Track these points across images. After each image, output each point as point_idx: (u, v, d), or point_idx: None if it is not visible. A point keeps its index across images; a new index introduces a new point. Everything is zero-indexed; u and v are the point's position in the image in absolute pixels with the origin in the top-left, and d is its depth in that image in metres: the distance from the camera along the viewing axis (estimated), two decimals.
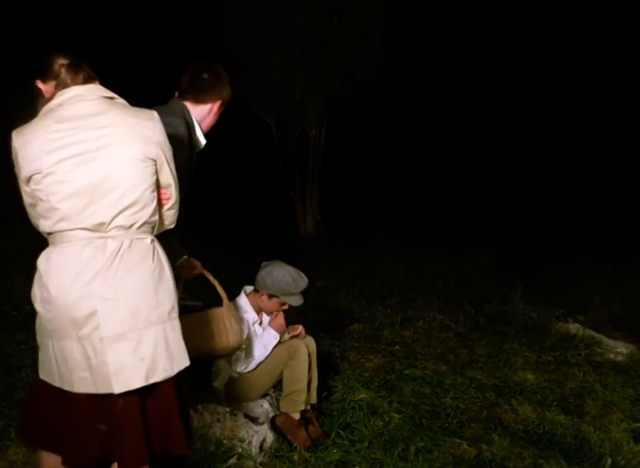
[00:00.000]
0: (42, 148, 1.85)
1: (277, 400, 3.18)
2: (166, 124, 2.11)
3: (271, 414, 3.10)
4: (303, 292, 3.16)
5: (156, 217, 1.99)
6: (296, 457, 2.88)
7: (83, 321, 1.84)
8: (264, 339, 3.09)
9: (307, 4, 7.52)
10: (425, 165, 13.96)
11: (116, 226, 1.88)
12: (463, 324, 4.93)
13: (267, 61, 7.73)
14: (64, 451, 1.95)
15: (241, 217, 9.37)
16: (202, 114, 2.65)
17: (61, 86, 1.96)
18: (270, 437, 2.97)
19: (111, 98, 1.99)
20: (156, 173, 1.97)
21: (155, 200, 1.97)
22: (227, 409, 2.96)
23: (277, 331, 3.10)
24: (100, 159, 1.87)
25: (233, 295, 3.44)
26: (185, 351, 1.98)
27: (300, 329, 3.13)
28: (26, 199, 1.94)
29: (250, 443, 2.84)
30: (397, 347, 4.38)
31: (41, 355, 1.95)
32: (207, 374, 3.30)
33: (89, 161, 1.87)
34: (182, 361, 1.97)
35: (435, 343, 4.49)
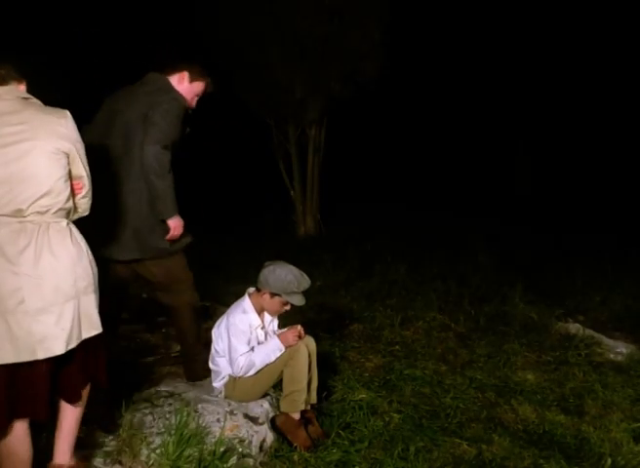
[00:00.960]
0: None
1: (277, 400, 3.18)
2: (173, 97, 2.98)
3: (271, 414, 3.10)
4: (305, 294, 3.15)
5: (70, 204, 2.22)
6: (296, 457, 2.88)
7: (7, 296, 2.05)
8: (269, 348, 3.06)
9: (307, 4, 7.52)
10: (426, 165, 13.97)
11: (33, 212, 2.10)
12: (463, 324, 4.93)
13: (267, 61, 7.73)
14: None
15: (241, 217, 9.37)
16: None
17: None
18: (270, 437, 2.97)
19: (26, 99, 2.23)
20: (69, 165, 2.20)
21: (68, 189, 2.20)
22: (227, 409, 2.96)
23: (284, 344, 3.05)
24: (17, 152, 2.09)
25: (235, 296, 3.44)
26: (98, 321, 2.25)
27: (299, 328, 3.13)
28: None
29: (250, 443, 2.84)
30: (397, 347, 4.38)
31: None
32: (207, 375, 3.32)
33: (7, 154, 2.08)
34: (94, 329, 2.24)
35: (435, 343, 4.49)
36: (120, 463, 2.60)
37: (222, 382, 3.12)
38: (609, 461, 3.04)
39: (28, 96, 2.26)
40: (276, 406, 3.15)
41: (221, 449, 2.69)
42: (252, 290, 3.20)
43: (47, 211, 2.13)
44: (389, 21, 7.86)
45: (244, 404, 3.07)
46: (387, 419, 3.32)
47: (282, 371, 3.08)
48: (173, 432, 2.67)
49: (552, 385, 3.92)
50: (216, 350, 3.13)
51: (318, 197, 8.80)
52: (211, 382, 3.20)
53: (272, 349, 3.05)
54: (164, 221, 3.09)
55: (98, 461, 2.58)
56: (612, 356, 4.46)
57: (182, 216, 3.15)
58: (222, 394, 3.11)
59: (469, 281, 6.08)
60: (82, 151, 2.25)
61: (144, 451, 2.63)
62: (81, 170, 2.26)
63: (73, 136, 2.22)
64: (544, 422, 3.43)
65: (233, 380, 3.09)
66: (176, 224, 3.08)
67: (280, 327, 3.30)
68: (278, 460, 2.86)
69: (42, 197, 2.11)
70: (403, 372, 3.90)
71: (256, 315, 3.14)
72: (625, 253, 7.45)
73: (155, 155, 2.94)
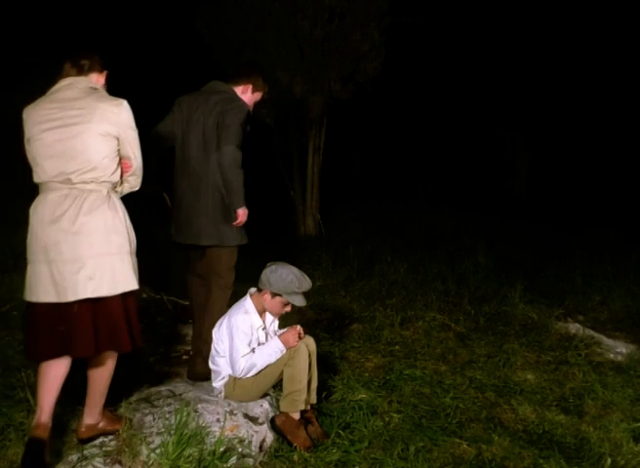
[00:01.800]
0: (34, 120, 2.55)
1: (277, 400, 3.18)
2: (240, 104, 3.49)
3: (271, 414, 3.10)
4: (306, 295, 3.15)
5: (116, 178, 2.61)
6: (296, 457, 2.88)
7: (51, 248, 2.49)
8: (270, 349, 3.06)
9: (307, 4, 7.52)
10: (426, 165, 13.97)
11: (80, 182, 2.52)
12: (463, 324, 4.93)
13: (267, 61, 7.73)
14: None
15: None
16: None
17: (62, 76, 2.66)
18: (270, 437, 2.97)
19: (94, 89, 2.62)
20: (118, 146, 2.60)
21: (114, 166, 2.59)
22: (227, 409, 2.97)
23: (285, 345, 3.05)
24: (73, 132, 2.52)
25: (235, 296, 3.44)
26: (133, 278, 2.60)
27: (299, 328, 3.12)
28: (27, 156, 2.59)
29: (250, 443, 2.84)
30: (397, 347, 4.38)
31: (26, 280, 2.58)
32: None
33: (65, 132, 2.52)
34: (127, 285, 2.57)
35: (435, 343, 4.49)
36: (120, 463, 2.60)
37: (222, 382, 3.12)
38: (609, 461, 3.04)
39: (97, 86, 2.66)
40: (276, 406, 3.15)
41: (221, 449, 2.69)
42: (253, 290, 3.20)
43: (92, 181, 2.53)
44: (389, 21, 7.86)
45: (244, 404, 3.08)
46: (387, 419, 3.33)
47: (282, 372, 3.08)
48: (173, 432, 2.67)
49: (552, 385, 3.93)
50: (216, 350, 3.13)
51: (318, 197, 8.79)
52: (211, 382, 3.20)
53: (273, 350, 3.05)
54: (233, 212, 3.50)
55: (98, 461, 2.58)
56: (612, 356, 4.47)
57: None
58: (222, 394, 3.12)
59: (469, 281, 6.08)
60: (132, 137, 2.63)
61: (144, 451, 2.63)
62: (129, 152, 2.64)
63: (124, 122, 2.60)
64: (544, 422, 3.43)
65: (233, 380, 3.09)
66: (243, 213, 3.50)
67: (280, 327, 3.30)
68: (278, 460, 2.87)
69: (88, 171, 2.52)
70: (403, 372, 3.90)
71: (257, 316, 3.14)
72: (625, 252, 7.45)
73: (232, 153, 3.40)
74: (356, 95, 8.16)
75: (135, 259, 2.65)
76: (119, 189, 2.68)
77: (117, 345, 2.59)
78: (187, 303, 4.87)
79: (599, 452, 3.13)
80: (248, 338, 3.05)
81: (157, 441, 2.69)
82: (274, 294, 3.09)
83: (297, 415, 3.04)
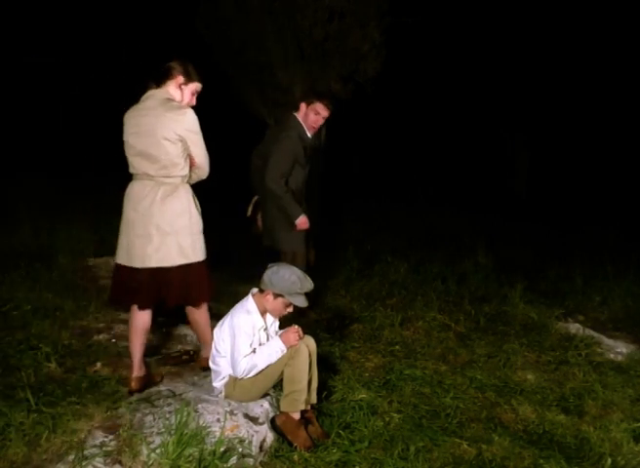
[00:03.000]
0: (126, 125, 3.23)
1: (277, 400, 3.18)
2: (286, 135, 4.32)
3: (271, 414, 3.10)
4: (307, 295, 3.15)
5: (185, 172, 3.22)
6: (296, 457, 2.88)
7: (132, 223, 3.20)
8: (271, 349, 3.06)
9: (307, 4, 7.52)
10: (426, 165, 13.97)
11: (156, 175, 3.17)
12: (463, 324, 4.93)
13: (267, 61, 7.73)
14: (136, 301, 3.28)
15: (241, 218, 9.35)
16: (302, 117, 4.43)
17: (148, 87, 3.27)
18: (270, 437, 2.97)
19: (168, 99, 3.19)
20: (186, 147, 3.18)
21: (182, 162, 3.19)
22: (227, 409, 2.97)
23: (286, 345, 3.05)
24: (148, 136, 3.14)
25: (235, 296, 3.44)
26: (199, 250, 3.28)
27: (297, 328, 3.12)
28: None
29: (250, 443, 2.84)
30: (397, 347, 4.38)
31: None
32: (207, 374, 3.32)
33: (142, 136, 3.15)
34: (194, 257, 3.25)
35: (435, 343, 4.48)
36: (120, 463, 2.60)
37: (223, 382, 3.12)
38: (609, 461, 3.04)
39: (170, 97, 3.22)
40: (276, 406, 3.15)
41: (221, 449, 2.69)
42: (255, 290, 3.19)
43: (165, 176, 3.17)
44: (389, 21, 7.86)
45: (244, 404, 3.08)
46: (387, 419, 3.32)
47: (282, 372, 3.08)
48: (173, 432, 2.68)
49: (552, 385, 3.93)
50: (217, 350, 3.13)
51: (318, 197, 8.78)
52: (211, 382, 3.20)
53: (274, 350, 3.05)
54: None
55: (98, 461, 2.58)
56: (612, 356, 4.46)
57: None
58: (223, 394, 3.11)
59: (469, 281, 6.08)
60: (196, 139, 3.19)
61: (144, 451, 2.63)
62: (194, 151, 3.21)
63: (188, 127, 3.15)
64: (544, 422, 3.43)
65: (233, 380, 3.08)
66: (300, 222, 4.33)
67: (280, 328, 3.30)
68: (278, 460, 2.86)
69: (161, 168, 3.15)
70: (403, 372, 3.90)
71: (259, 316, 3.14)
72: (625, 252, 7.45)
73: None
74: (356, 95, 8.16)
75: (196, 237, 3.26)
76: (189, 179, 3.28)
77: (188, 301, 3.35)
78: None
79: (599, 452, 3.13)
80: (250, 339, 3.05)
81: (157, 441, 2.69)
82: (276, 295, 3.09)
83: (297, 415, 3.04)
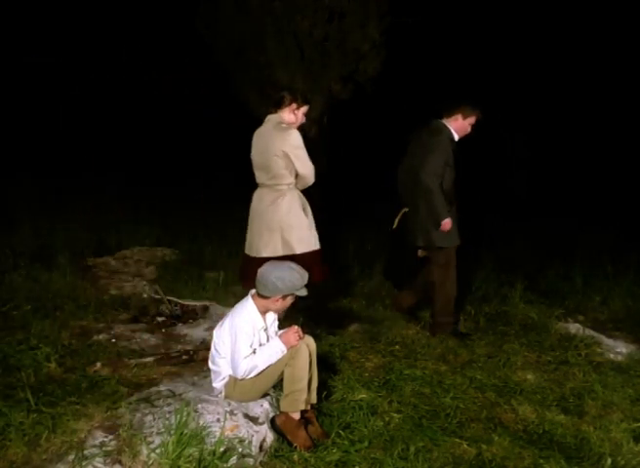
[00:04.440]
0: (252, 144, 4.07)
1: (277, 400, 3.18)
2: (439, 139, 4.64)
3: (271, 414, 3.10)
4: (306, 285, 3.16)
5: (290, 180, 3.94)
6: (296, 457, 2.88)
7: (252, 222, 4.05)
8: (271, 349, 3.05)
9: (307, 4, 7.52)
10: None
11: (269, 184, 3.96)
12: (463, 324, 4.94)
13: (267, 61, 7.73)
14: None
15: (241, 218, 9.35)
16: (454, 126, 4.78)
17: (269, 112, 4.06)
18: (270, 437, 2.97)
19: (279, 123, 3.95)
20: (290, 161, 3.88)
21: (288, 172, 3.91)
22: (227, 409, 2.97)
23: (286, 345, 3.05)
24: (263, 153, 3.94)
25: (235, 296, 3.44)
26: (306, 242, 3.94)
27: (297, 328, 3.12)
28: None
29: (250, 443, 2.84)
30: (397, 347, 4.38)
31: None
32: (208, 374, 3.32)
33: (260, 153, 3.96)
34: (298, 250, 3.91)
35: (435, 343, 4.48)
36: (120, 463, 2.60)
37: (223, 382, 3.12)
38: (609, 461, 3.04)
39: (281, 120, 3.96)
40: (276, 406, 3.15)
41: (221, 449, 2.69)
42: (254, 291, 3.19)
43: (276, 184, 3.93)
44: (389, 21, 7.86)
45: (244, 404, 3.08)
46: (387, 419, 3.32)
47: (282, 372, 3.07)
48: (173, 432, 2.68)
49: (552, 385, 3.92)
50: (217, 350, 3.13)
51: (318, 197, 8.78)
52: (211, 382, 3.20)
53: (274, 350, 3.04)
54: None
55: (98, 461, 2.58)
56: (612, 356, 4.46)
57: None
58: (222, 394, 3.11)
59: (469, 281, 6.08)
60: (299, 154, 3.88)
61: (144, 451, 2.63)
62: (297, 164, 3.89)
63: (292, 144, 3.86)
64: (544, 422, 3.43)
65: (234, 380, 3.08)
66: (444, 223, 4.47)
67: (280, 328, 3.29)
68: (278, 460, 2.86)
69: (272, 178, 3.93)
70: (403, 372, 3.90)
71: (260, 316, 3.13)
72: (625, 252, 7.45)
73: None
74: (356, 95, 8.16)
75: (302, 233, 3.90)
76: (296, 185, 3.99)
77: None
78: (188, 303, 4.89)
79: (599, 452, 3.13)
80: (250, 339, 3.05)
81: (157, 441, 2.69)
82: (285, 296, 3.09)
83: (297, 415, 3.04)
